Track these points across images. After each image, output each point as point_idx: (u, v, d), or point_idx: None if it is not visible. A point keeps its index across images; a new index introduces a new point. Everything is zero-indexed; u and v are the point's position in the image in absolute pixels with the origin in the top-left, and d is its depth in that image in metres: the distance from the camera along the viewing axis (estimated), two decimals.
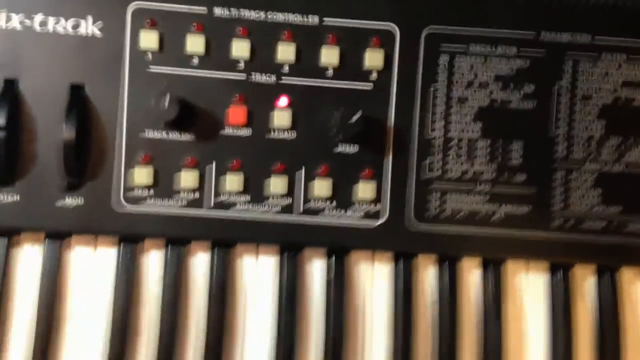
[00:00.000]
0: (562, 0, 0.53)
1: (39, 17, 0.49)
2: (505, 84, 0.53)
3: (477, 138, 0.53)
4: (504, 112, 0.53)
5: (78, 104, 0.49)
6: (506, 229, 0.53)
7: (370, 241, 0.53)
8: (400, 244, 0.53)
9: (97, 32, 0.50)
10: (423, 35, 0.52)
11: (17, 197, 0.49)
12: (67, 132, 0.48)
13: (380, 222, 0.52)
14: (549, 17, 0.53)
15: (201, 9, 0.51)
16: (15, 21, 0.49)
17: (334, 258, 0.53)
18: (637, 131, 0.53)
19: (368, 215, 0.52)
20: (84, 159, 0.50)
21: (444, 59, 0.53)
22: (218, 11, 0.51)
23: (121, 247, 0.52)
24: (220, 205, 0.51)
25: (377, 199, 0.52)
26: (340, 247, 0.53)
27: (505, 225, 0.53)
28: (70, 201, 0.50)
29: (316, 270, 0.54)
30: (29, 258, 0.52)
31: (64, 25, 0.49)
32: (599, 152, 0.53)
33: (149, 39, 0.50)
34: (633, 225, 0.53)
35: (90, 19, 0.50)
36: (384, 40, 0.52)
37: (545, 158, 0.53)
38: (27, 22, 0.49)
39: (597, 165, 0.53)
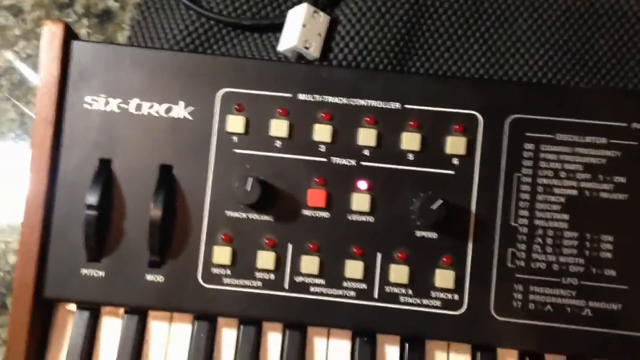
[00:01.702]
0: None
1: (134, 102, 0.53)
2: (595, 174, 0.51)
3: (564, 228, 0.51)
4: (594, 202, 0.51)
5: (166, 183, 0.51)
6: (594, 327, 0.50)
7: (447, 332, 0.51)
8: (479, 336, 0.51)
9: (188, 116, 0.52)
10: (507, 122, 0.51)
11: (102, 274, 0.51)
12: (155, 211, 0.50)
13: (458, 312, 0.51)
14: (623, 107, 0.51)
15: (286, 95, 0.52)
16: (113, 105, 0.52)
17: (407, 346, 0.52)
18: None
19: (446, 305, 0.51)
20: (168, 237, 0.52)
21: (529, 146, 0.52)
22: (302, 97, 0.53)
23: (195, 325, 0.53)
24: (296, 287, 0.51)
25: (456, 288, 0.51)
26: (415, 336, 0.52)
27: (593, 324, 0.50)
28: (152, 278, 0.51)
29: (389, 358, 0.52)
30: (107, 330, 0.53)
31: (158, 109, 0.52)
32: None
33: (235, 123, 0.52)
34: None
35: (182, 103, 0.52)
36: (467, 126, 0.52)
37: (638, 253, 0.50)
38: (124, 105, 0.52)
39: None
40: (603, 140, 0.51)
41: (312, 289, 0.51)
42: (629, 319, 0.49)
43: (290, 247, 0.52)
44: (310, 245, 0.51)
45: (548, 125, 0.51)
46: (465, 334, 0.51)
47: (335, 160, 0.52)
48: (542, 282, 0.51)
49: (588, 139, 0.51)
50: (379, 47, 0.63)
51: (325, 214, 0.52)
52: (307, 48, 0.62)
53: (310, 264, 0.51)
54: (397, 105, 0.52)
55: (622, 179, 0.51)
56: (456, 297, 0.51)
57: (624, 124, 0.51)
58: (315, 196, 0.52)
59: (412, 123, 0.52)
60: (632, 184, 0.50)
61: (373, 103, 0.52)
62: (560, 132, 0.51)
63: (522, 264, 0.51)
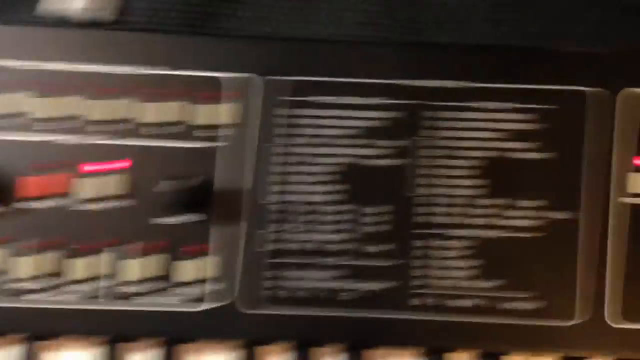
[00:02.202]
0: (426, 43, 0.46)
1: None
2: (360, 139, 0.45)
3: (323, 202, 0.45)
4: (358, 171, 0.45)
5: None
6: (358, 310, 0.45)
7: (196, 329, 0.44)
8: (224, 333, 0.44)
9: None
10: (260, 85, 0.45)
11: None
12: None
13: (201, 308, 0.44)
14: (408, 62, 0.45)
15: None
16: None
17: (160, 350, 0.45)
18: (510, 188, 0.45)
19: (188, 301, 0.44)
20: None
21: (281, 112, 0.45)
22: None
23: None
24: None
25: (200, 281, 0.44)
26: (164, 336, 0.45)
27: (358, 306, 0.45)
28: None
29: None
30: None
31: None
32: (469, 214, 0.45)
33: None
34: (513, 303, 0.44)
35: None
36: (214, 93, 0.45)
37: (404, 224, 0.45)
38: None
39: (464, 231, 0.45)
40: (367, 101, 0.45)
41: (31, 295, 0.43)
42: (394, 298, 0.44)
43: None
44: (26, 244, 0.43)
45: (305, 86, 0.45)
46: (214, 330, 0.44)
47: (55, 139, 0.44)
48: (298, 264, 0.45)
49: (349, 101, 0.45)
50: None
51: (43, 205, 0.44)
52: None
53: (29, 264, 0.43)
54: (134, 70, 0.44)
55: (387, 144, 0.45)
56: (199, 290, 0.44)
57: (389, 82, 0.45)
58: (28, 184, 0.43)
59: (161, 91, 0.44)
60: (397, 148, 0.45)
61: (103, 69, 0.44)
62: (321, 94, 0.45)
63: (274, 246, 0.44)
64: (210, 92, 0.44)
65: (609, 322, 0.44)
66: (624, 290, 0.43)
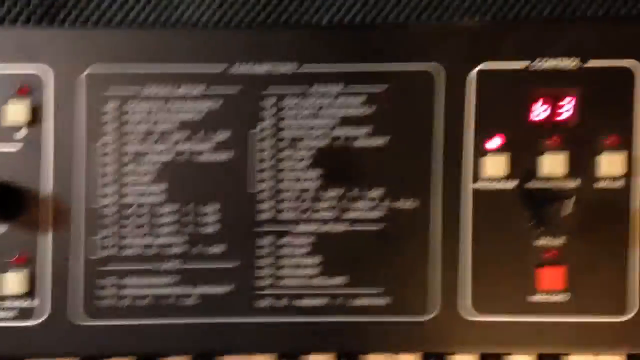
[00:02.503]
0: (258, 25, 0.43)
1: None
2: (194, 132, 0.42)
3: (160, 203, 0.42)
4: (193, 167, 0.42)
5: None
6: (204, 317, 0.41)
7: (30, 345, 0.41)
8: (66, 347, 0.41)
9: None
10: (81, 77, 0.41)
11: None
12: None
13: (37, 321, 0.41)
14: (243, 46, 0.41)
15: None
16: None
17: None
18: (356, 178, 0.42)
19: (21, 315, 0.41)
20: None
21: (111, 106, 0.42)
22: None
23: None
24: None
25: (33, 293, 0.41)
26: None
27: (203, 312, 0.41)
28: None
29: None
30: None
31: None
32: (314, 209, 0.42)
33: None
34: (363, 299, 0.42)
35: None
36: (32, 88, 0.41)
37: (247, 222, 0.42)
38: None
39: (310, 226, 0.42)
40: (200, 89, 0.42)
41: None
42: (241, 300, 0.42)
43: None
44: None
45: (133, 77, 0.41)
46: (48, 346, 0.41)
47: None
48: (139, 271, 0.42)
49: (182, 90, 0.42)
50: None
51: None
52: None
53: None
54: None
55: (224, 135, 0.42)
56: (34, 303, 0.41)
57: (224, 66, 0.42)
58: None
59: None
60: (235, 139, 0.42)
61: None
62: (148, 86, 0.42)
63: (109, 252, 0.41)
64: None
65: (462, 315, 0.41)
66: (474, 281, 0.41)
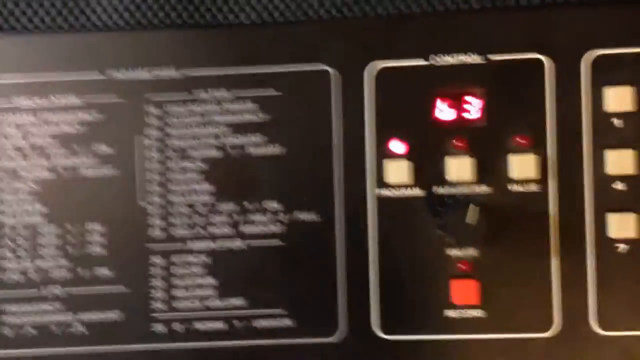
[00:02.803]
0: (132, 28, 0.38)
1: None
2: (66, 146, 0.38)
3: (39, 223, 0.38)
4: (70, 185, 0.38)
5: None
6: (95, 345, 0.38)
7: None
8: None
9: None
10: None
11: None
12: None
13: None
14: (119, 51, 0.38)
15: None
16: None
17: None
18: (252, 189, 0.38)
19: None
20: None
21: None
22: None
23: None
24: None
25: None
26: None
27: (95, 340, 0.38)
28: None
29: None
30: None
31: None
32: (205, 224, 0.38)
33: None
34: (264, 321, 0.38)
35: None
36: None
37: (138, 240, 0.38)
38: None
39: (205, 243, 0.38)
40: (73, 100, 0.38)
41: None
42: (133, 328, 0.38)
43: None
44: None
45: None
46: None
47: None
48: (19, 298, 0.38)
49: (53, 101, 0.37)
50: None
51: None
52: None
53: None
54: None
55: (104, 148, 0.38)
56: None
57: (94, 72, 0.38)
58: None
59: None
60: (117, 152, 0.38)
61: None
62: (17, 96, 0.38)
63: None
64: None
65: (377, 333, 0.38)
66: (383, 298, 0.37)
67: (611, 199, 0.36)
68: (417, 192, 0.37)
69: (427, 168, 0.36)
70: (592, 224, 0.36)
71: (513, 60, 0.36)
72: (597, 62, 0.36)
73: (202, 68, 0.37)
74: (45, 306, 0.38)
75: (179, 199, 0.38)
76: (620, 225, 0.36)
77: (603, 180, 0.36)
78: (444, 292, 0.37)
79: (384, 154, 0.37)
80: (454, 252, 0.37)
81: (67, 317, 0.38)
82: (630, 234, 0.36)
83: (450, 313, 0.37)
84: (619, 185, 0.36)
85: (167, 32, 0.38)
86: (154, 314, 0.38)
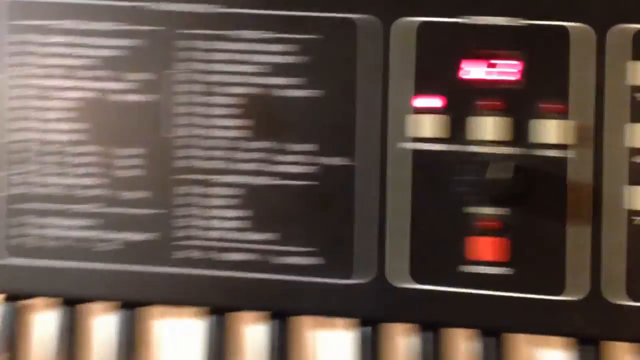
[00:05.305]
0: None
1: None
2: (107, 71, 0.38)
3: (67, 142, 0.39)
4: (108, 108, 0.38)
5: None
6: (117, 263, 0.39)
7: None
8: None
9: None
10: None
11: None
12: None
13: None
14: None
15: None
16: None
17: None
18: (286, 130, 0.38)
19: None
20: None
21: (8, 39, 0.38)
22: None
23: None
24: None
25: None
26: None
27: (117, 258, 0.39)
28: None
29: None
30: None
31: None
32: (237, 158, 0.39)
33: None
34: (289, 258, 0.39)
35: None
36: None
37: (163, 169, 0.39)
38: None
39: (233, 177, 0.39)
40: (108, 26, 0.38)
41: None
42: (158, 250, 0.39)
43: None
44: None
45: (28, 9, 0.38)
46: None
47: None
48: (56, 211, 0.40)
49: (93, 26, 0.38)
50: None
51: None
52: None
53: None
54: None
55: (139, 76, 0.38)
56: None
57: (136, 4, 0.37)
58: None
59: None
60: (151, 81, 0.38)
61: None
62: (52, 19, 0.38)
63: (16, 190, 0.39)
64: None
65: (391, 282, 0.38)
66: (410, 246, 0.38)
67: None
68: (450, 146, 0.36)
69: (462, 124, 0.36)
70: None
71: (553, 26, 0.34)
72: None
73: (238, 7, 0.37)
74: (71, 221, 0.39)
75: (205, 132, 0.38)
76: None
77: None
78: (470, 248, 0.37)
79: (406, 107, 0.37)
80: (483, 210, 0.36)
81: (92, 233, 0.39)
82: None
83: (474, 268, 0.37)
84: None
85: None
86: (177, 241, 0.39)
